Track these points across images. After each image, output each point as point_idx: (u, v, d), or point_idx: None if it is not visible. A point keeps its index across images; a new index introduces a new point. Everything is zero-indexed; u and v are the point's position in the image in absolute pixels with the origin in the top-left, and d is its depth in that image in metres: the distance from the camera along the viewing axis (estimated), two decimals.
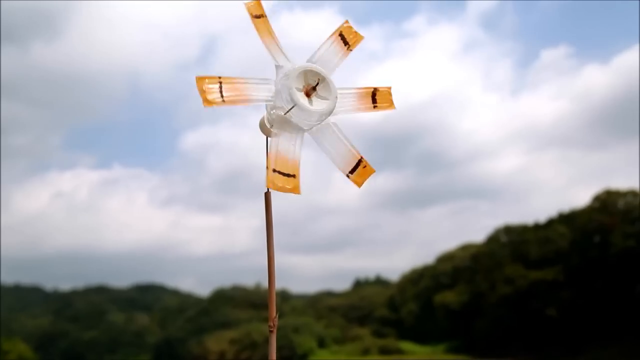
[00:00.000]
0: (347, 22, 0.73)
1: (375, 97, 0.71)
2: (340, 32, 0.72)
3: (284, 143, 0.65)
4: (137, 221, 52.39)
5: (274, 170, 0.63)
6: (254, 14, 0.67)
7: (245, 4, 0.67)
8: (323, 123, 0.66)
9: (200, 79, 0.61)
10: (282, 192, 0.62)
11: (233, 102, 0.62)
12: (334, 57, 0.70)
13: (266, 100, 0.64)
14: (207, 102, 0.61)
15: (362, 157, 0.68)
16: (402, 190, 46.36)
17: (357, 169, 0.67)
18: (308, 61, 0.68)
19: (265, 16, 0.67)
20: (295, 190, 0.63)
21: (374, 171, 0.69)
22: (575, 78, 48.96)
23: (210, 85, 0.61)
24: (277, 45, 0.67)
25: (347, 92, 0.69)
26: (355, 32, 0.73)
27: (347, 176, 0.67)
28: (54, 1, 56.17)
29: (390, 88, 0.73)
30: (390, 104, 0.72)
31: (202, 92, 0.61)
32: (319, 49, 0.70)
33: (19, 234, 49.35)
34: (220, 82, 0.62)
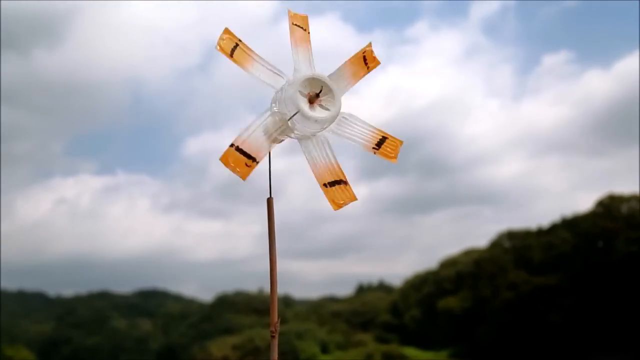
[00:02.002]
0: (370, 44, 0.74)
1: (382, 143, 0.71)
2: (364, 53, 0.73)
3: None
4: (140, 227, 52.45)
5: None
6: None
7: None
8: (318, 134, 0.67)
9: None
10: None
11: (238, 63, 0.64)
12: (350, 78, 0.70)
13: (264, 81, 0.66)
14: (220, 47, 0.64)
15: (343, 179, 0.67)
16: (405, 195, 46.32)
17: (335, 187, 0.66)
18: (330, 76, 0.68)
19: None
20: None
21: (402, 142, 0.69)
22: (576, 83, 48.98)
23: (228, 39, 0.64)
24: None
25: (357, 125, 0.69)
26: (375, 57, 0.73)
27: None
28: (56, 8, 56.39)
29: (401, 142, 0.71)
30: (394, 157, 0.70)
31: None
32: (342, 66, 0.70)
33: (22, 240, 49.43)
34: (237, 44, 0.64)
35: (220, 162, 0.63)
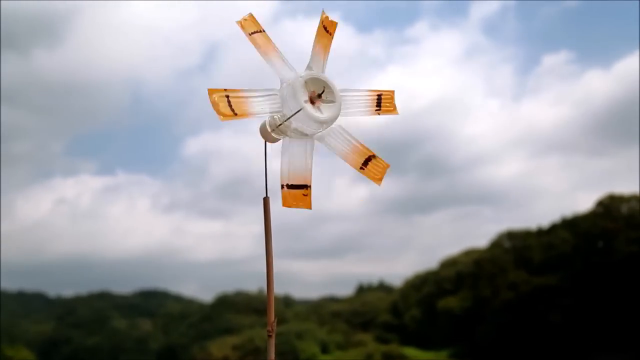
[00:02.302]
0: (392, 92, 0.74)
1: (380, 101, 0.72)
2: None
3: (297, 150, 0.65)
4: (140, 227, 52.49)
5: (287, 186, 0.64)
6: (249, 32, 0.67)
7: (239, 22, 0.67)
8: (331, 127, 0.67)
9: (211, 92, 0.61)
10: (295, 208, 0.64)
11: (243, 115, 0.62)
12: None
13: (272, 112, 0.65)
14: (222, 115, 0.61)
15: (372, 154, 0.69)
16: (405, 196, 46.33)
17: (368, 165, 0.68)
18: (311, 64, 0.69)
19: (262, 30, 0.68)
20: (307, 205, 0.64)
21: (388, 166, 0.69)
22: (576, 83, 49.00)
23: (220, 99, 0.61)
24: (280, 57, 0.67)
25: (352, 95, 0.70)
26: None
27: (360, 171, 0.68)
28: (56, 8, 56.41)
29: (393, 92, 0.73)
30: (394, 109, 0.72)
31: (215, 104, 0.61)
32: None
33: (22, 240, 49.46)
34: (228, 96, 0.62)
35: (285, 208, 0.64)
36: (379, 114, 0.71)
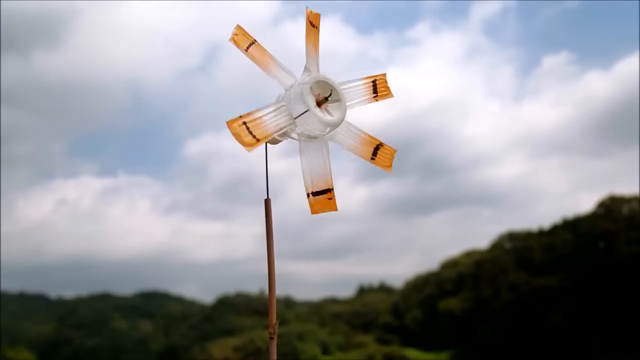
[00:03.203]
0: (384, 75, 0.74)
1: (375, 87, 0.72)
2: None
3: (315, 155, 0.65)
4: (141, 228, 52.47)
5: (313, 194, 0.64)
6: (245, 48, 0.66)
7: (232, 40, 0.66)
8: (320, 140, 0.67)
9: (230, 123, 0.61)
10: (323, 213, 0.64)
11: (265, 138, 0.62)
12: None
13: (287, 126, 0.64)
14: (247, 145, 0.60)
15: (380, 142, 0.69)
16: (405, 197, 46.27)
17: (378, 154, 0.69)
18: (307, 65, 0.69)
19: (255, 41, 0.67)
20: (333, 208, 0.65)
21: (395, 150, 0.69)
22: (577, 84, 48.95)
23: (240, 128, 0.61)
24: (278, 66, 0.67)
25: (350, 87, 0.71)
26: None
27: (371, 161, 0.69)
28: (55, 9, 56.42)
29: (385, 75, 0.73)
30: (389, 92, 0.73)
31: (238, 136, 0.60)
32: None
33: (23, 241, 49.47)
34: (245, 123, 0.61)
35: (314, 215, 0.64)
36: (376, 100, 0.72)
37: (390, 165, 0.69)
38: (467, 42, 55.30)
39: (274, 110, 0.64)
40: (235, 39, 0.66)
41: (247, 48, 0.66)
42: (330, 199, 0.65)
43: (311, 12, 0.70)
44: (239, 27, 0.66)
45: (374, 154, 0.68)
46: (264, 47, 0.66)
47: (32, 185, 56.13)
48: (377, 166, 0.68)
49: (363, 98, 0.71)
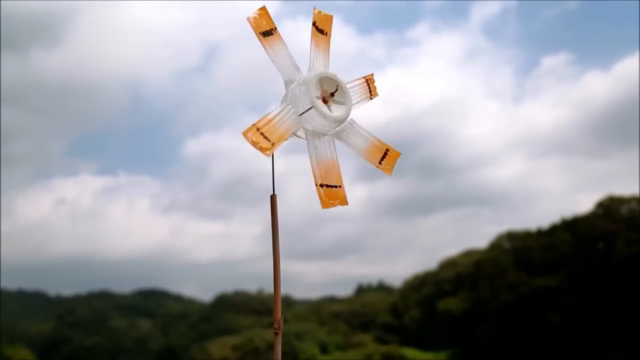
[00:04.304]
0: (372, 74, 0.74)
1: (369, 86, 0.73)
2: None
3: (323, 151, 0.65)
4: (140, 228, 52.48)
5: (322, 185, 0.64)
6: (261, 31, 0.66)
7: (250, 18, 0.66)
8: (326, 136, 0.67)
9: (246, 133, 0.61)
10: (332, 207, 0.63)
11: (280, 141, 0.62)
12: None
13: (297, 125, 0.65)
14: (266, 150, 0.61)
15: (388, 148, 0.69)
16: (405, 197, 46.31)
17: (385, 159, 0.69)
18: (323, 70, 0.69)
19: (275, 28, 0.67)
20: (343, 202, 0.64)
21: (399, 154, 0.70)
22: (576, 85, 49.03)
23: (256, 135, 0.61)
24: (290, 60, 0.67)
25: (353, 86, 0.71)
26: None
27: (378, 167, 0.68)
28: (55, 8, 56.38)
29: (372, 74, 0.74)
30: (374, 90, 0.73)
31: (255, 144, 0.61)
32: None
33: (22, 240, 49.45)
34: (259, 129, 0.61)
35: (324, 209, 0.64)
36: (371, 99, 0.72)
37: (392, 169, 0.69)
38: (467, 42, 55.38)
39: (281, 112, 0.64)
40: (254, 19, 0.65)
41: (264, 33, 0.65)
42: (340, 193, 0.65)
43: (319, 13, 0.69)
44: (263, 9, 0.65)
45: (382, 159, 0.68)
46: (281, 37, 0.66)
47: (32, 184, 56.18)
48: (380, 170, 0.68)
49: (364, 97, 0.72)
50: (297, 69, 0.67)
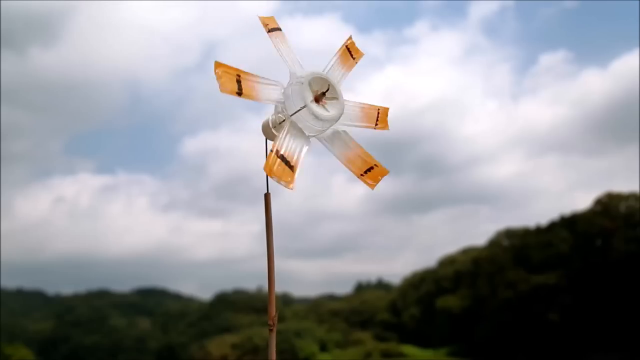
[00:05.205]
0: (350, 37, 0.75)
1: (378, 117, 0.72)
2: (347, 46, 0.74)
3: (296, 134, 0.65)
4: (139, 226, 52.51)
5: (278, 154, 0.62)
6: (270, 28, 0.69)
7: (261, 17, 0.69)
8: (334, 131, 0.68)
9: (219, 65, 0.61)
10: (275, 182, 0.61)
11: (248, 96, 0.62)
12: (343, 68, 0.72)
13: (277, 101, 0.65)
14: (224, 89, 0.61)
15: (375, 164, 0.68)
16: (403, 195, 46.38)
17: (370, 172, 0.68)
18: (326, 71, 0.70)
19: (280, 29, 0.69)
20: (290, 184, 0.61)
21: (388, 172, 0.69)
22: (574, 83, 49.06)
23: (228, 75, 0.61)
24: (293, 55, 0.68)
25: (353, 106, 0.71)
26: (357, 48, 0.75)
27: (360, 178, 0.68)
28: (53, 6, 56.28)
29: (388, 109, 0.74)
30: (386, 125, 0.73)
31: (220, 77, 0.61)
32: (331, 61, 0.71)
33: (21, 239, 49.43)
34: (239, 76, 0.62)
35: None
36: (375, 129, 0.72)
37: (375, 184, 0.68)
38: (465, 41, 55.40)
39: (270, 84, 0.65)
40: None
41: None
42: (291, 171, 0.62)
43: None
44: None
45: (365, 172, 0.68)
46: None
47: (30, 182, 56.14)
48: (363, 182, 0.68)
49: (367, 123, 0.71)
50: (301, 65, 0.68)
